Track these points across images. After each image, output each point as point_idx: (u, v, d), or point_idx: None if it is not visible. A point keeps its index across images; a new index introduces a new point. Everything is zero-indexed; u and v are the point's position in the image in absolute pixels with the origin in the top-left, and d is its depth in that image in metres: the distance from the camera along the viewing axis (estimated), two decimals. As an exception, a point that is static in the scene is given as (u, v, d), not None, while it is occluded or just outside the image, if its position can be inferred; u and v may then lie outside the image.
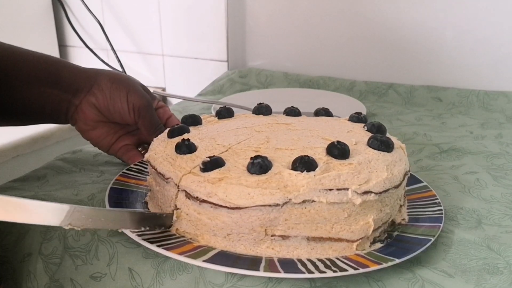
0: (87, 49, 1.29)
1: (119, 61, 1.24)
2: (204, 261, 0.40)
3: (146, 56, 1.28)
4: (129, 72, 1.23)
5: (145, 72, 1.29)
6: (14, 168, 0.89)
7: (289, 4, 1.13)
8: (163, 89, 1.29)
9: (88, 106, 0.61)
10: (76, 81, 0.61)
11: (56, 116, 0.62)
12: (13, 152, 0.91)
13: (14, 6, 1.18)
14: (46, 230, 0.50)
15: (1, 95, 0.59)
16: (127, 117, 0.61)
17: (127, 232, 0.43)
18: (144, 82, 1.19)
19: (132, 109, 0.60)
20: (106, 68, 1.24)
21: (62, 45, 1.37)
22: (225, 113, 0.59)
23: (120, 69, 1.23)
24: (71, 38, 1.35)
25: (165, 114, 0.66)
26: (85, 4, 1.26)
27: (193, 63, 1.22)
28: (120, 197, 0.51)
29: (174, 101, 1.25)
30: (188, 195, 0.43)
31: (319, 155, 0.44)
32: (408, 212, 0.49)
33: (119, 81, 0.61)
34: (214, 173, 0.42)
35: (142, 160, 0.59)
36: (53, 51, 1.30)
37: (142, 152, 0.64)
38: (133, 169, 0.58)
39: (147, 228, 0.43)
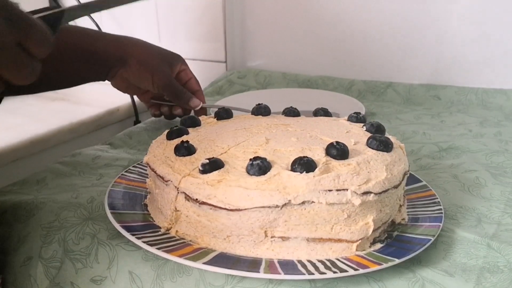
0: (85, 51, 1.29)
1: (117, 63, 1.23)
2: (204, 263, 0.40)
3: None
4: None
5: (143, 74, 1.28)
6: (13, 172, 0.89)
7: (287, 4, 1.13)
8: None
9: (121, 78, 0.75)
10: (109, 58, 0.72)
11: (96, 80, 0.77)
12: (12, 156, 0.90)
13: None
14: (46, 234, 0.50)
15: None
16: (154, 90, 0.74)
17: (127, 235, 0.43)
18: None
19: (157, 86, 0.73)
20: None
21: (60, 48, 1.37)
22: (224, 114, 0.59)
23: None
24: (69, 41, 1.35)
25: (186, 77, 0.78)
26: (83, 6, 1.26)
27: (191, 65, 1.21)
28: (119, 200, 0.51)
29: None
30: (188, 197, 0.43)
31: (318, 155, 0.44)
32: (407, 211, 0.49)
33: (146, 64, 0.72)
34: (213, 175, 0.42)
35: (141, 163, 0.59)
36: (51, 54, 1.30)
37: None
38: (132, 171, 0.58)
39: None
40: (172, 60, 0.77)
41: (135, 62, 0.72)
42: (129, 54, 0.72)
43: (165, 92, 0.74)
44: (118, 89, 0.79)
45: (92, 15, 1.26)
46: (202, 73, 1.20)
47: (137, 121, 1.16)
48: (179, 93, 0.74)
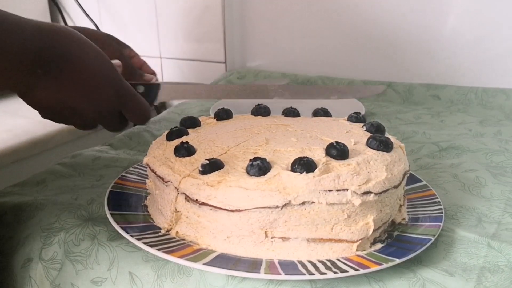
0: (84, 52, 1.29)
1: (117, 64, 1.24)
2: (205, 264, 0.40)
3: (144, 59, 1.28)
4: (127, 75, 1.23)
5: (143, 75, 1.28)
6: (13, 173, 0.89)
7: (286, 4, 1.13)
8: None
9: None
10: None
11: None
12: (12, 157, 0.90)
13: (11, 10, 1.18)
14: (46, 235, 0.50)
15: None
16: None
17: (127, 236, 0.43)
18: (142, 85, 1.17)
19: None
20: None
21: (59, 49, 1.37)
22: (223, 114, 0.59)
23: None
24: (69, 42, 1.35)
25: (139, 62, 0.75)
26: (82, 7, 1.26)
27: (191, 65, 1.22)
28: (119, 201, 0.50)
29: (173, 102, 1.25)
30: (188, 198, 0.43)
31: (318, 156, 0.44)
32: (408, 211, 0.49)
33: (95, 42, 0.66)
34: (213, 176, 0.42)
35: (141, 163, 0.59)
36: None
37: None
38: (132, 172, 0.58)
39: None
40: (119, 41, 0.74)
41: None
42: None
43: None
44: None
45: (91, 16, 1.26)
46: (202, 73, 1.21)
47: (137, 122, 1.16)
48: (131, 67, 0.71)
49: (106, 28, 1.28)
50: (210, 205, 0.42)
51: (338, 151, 0.44)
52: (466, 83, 0.97)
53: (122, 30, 1.29)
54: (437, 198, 0.52)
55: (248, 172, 0.42)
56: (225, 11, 1.14)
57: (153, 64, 1.26)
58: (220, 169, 0.43)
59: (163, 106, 1.25)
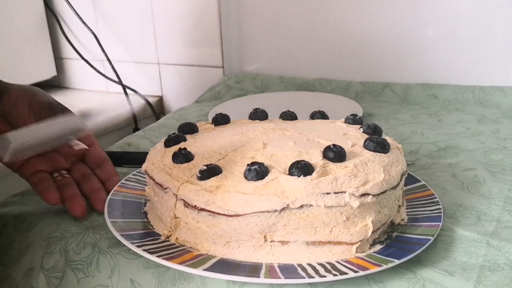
0: (83, 60, 1.30)
1: (115, 71, 1.24)
2: (205, 269, 0.40)
3: (142, 65, 1.29)
4: (125, 82, 1.23)
5: (141, 81, 1.29)
6: (14, 182, 0.89)
7: (283, 8, 1.14)
8: (160, 98, 1.29)
9: None
10: None
11: None
12: (13, 167, 0.90)
13: (9, 21, 1.19)
14: (47, 244, 0.50)
15: None
16: (32, 118, 0.54)
17: (127, 243, 0.44)
18: (141, 91, 1.18)
19: (37, 107, 0.55)
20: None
21: (58, 58, 1.37)
22: (221, 119, 0.59)
23: (116, 79, 1.24)
24: (67, 51, 1.36)
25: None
26: (79, 16, 1.26)
27: (189, 70, 1.22)
28: (119, 208, 0.51)
29: (172, 108, 1.25)
30: (187, 204, 0.43)
31: (316, 159, 0.44)
32: (407, 212, 0.49)
33: (25, 88, 0.57)
34: (211, 181, 0.43)
35: (140, 170, 0.59)
36: (49, 64, 1.30)
37: (58, 178, 0.56)
38: (131, 179, 0.58)
39: None
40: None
41: (13, 90, 0.56)
42: (4, 85, 0.57)
43: (47, 115, 0.54)
44: None
45: (88, 25, 1.26)
46: (199, 78, 1.21)
47: (136, 129, 1.16)
48: (64, 110, 0.57)
49: (104, 36, 1.28)
50: (209, 211, 0.42)
51: (335, 154, 0.44)
52: (463, 82, 0.97)
53: (119, 37, 1.29)
54: (436, 197, 0.52)
55: (246, 177, 0.42)
56: (221, 16, 1.14)
57: (151, 70, 1.28)
58: (218, 174, 0.43)
59: (162, 113, 1.25)
